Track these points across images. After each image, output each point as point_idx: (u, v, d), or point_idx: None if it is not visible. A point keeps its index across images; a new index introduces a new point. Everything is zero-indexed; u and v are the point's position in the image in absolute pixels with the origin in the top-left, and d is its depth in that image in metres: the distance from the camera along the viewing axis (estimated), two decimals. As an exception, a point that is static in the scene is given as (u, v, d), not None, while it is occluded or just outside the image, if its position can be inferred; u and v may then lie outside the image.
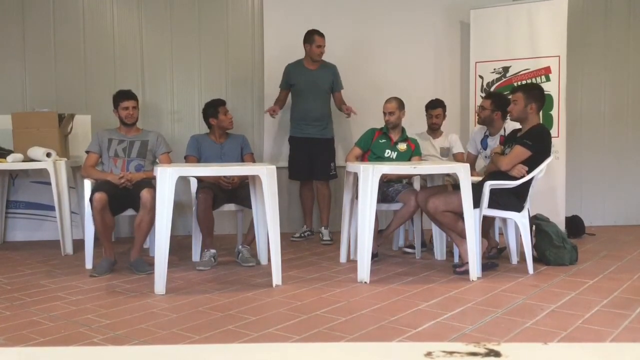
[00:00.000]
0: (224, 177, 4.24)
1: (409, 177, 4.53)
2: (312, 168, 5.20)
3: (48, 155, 4.48)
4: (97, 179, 4.14)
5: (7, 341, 2.59)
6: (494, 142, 4.44)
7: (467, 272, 3.73)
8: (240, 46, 5.56)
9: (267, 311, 3.07)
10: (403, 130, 4.57)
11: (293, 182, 5.42)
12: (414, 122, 4.89)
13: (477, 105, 4.86)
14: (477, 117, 4.72)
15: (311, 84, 5.13)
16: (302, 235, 5.25)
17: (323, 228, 5.17)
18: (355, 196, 4.13)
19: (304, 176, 5.25)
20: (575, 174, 5.72)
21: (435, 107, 4.86)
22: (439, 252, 4.37)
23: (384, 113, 4.49)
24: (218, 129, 4.51)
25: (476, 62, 5.43)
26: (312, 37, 5.06)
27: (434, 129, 4.89)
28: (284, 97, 5.25)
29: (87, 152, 4.31)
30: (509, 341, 2.58)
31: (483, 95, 5.08)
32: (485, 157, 4.52)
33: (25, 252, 4.65)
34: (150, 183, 4.02)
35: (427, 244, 4.66)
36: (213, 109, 4.48)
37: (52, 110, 4.81)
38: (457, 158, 4.78)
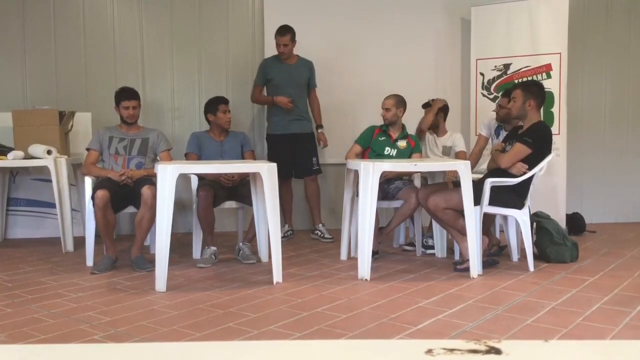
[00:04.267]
0: (225, 174, 4.24)
1: (410, 175, 4.53)
2: (295, 165, 5.10)
3: (49, 152, 4.48)
4: (97, 176, 4.14)
5: (8, 338, 2.59)
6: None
7: (467, 269, 3.73)
8: (240, 46, 5.55)
9: (267, 308, 3.07)
10: (403, 127, 4.56)
11: (294, 180, 5.36)
12: (415, 121, 4.87)
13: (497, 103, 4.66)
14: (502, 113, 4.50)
15: (289, 79, 5.05)
16: (285, 235, 5.01)
17: (320, 225, 5.10)
18: (355, 194, 4.13)
19: (286, 174, 4.97)
20: (576, 171, 5.72)
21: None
22: (440, 249, 4.38)
23: (382, 109, 4.49)
24: (216, 127, 4.51)
25: (477, 59, 5.41)
26: (275, 37, 4.97)
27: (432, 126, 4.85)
28: (260, 93, 5.14)
29: (87, 149, 4.31)
30: (510, 338, 2.58)
31: (484, 92, 5.07)
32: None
33: (26, 250, 4.65)
34: (150, 180, 4.02)
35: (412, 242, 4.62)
36: (213, 106, 4.49)
37: (52, 107, 4.81)
38: (459, 156, 4.76)
